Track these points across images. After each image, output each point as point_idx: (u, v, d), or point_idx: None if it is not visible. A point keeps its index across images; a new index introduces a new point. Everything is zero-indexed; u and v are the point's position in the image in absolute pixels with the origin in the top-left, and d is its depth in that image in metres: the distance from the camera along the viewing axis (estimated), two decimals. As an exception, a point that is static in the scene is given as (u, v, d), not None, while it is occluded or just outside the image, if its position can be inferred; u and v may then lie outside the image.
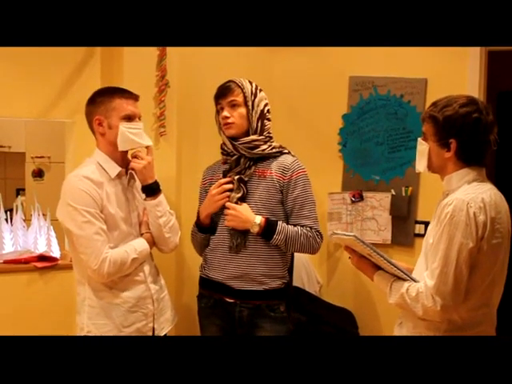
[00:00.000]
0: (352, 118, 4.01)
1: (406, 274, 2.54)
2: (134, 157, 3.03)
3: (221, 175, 3.24)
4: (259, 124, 3.19)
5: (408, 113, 3.86)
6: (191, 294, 3.48)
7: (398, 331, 2.67)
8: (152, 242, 3.08)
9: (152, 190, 3.03)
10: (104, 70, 3.75)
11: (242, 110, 3.18)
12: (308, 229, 3.15)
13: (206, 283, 3.28)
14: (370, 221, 3.96)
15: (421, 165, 2.63)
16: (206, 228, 3.27)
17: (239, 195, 3.15)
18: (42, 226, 3.87)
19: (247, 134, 3.19)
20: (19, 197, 6.04)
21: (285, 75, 4.07)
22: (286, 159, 3.21)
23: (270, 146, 3.21)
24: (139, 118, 3.00)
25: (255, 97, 3.19)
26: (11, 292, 3.58)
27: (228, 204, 3.14)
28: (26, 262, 3.67)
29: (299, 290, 3.81)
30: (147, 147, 3.05)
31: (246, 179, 3.17)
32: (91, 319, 2.94)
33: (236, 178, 3.16)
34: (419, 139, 2.63)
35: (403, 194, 3.90)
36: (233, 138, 3.19)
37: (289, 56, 4.01)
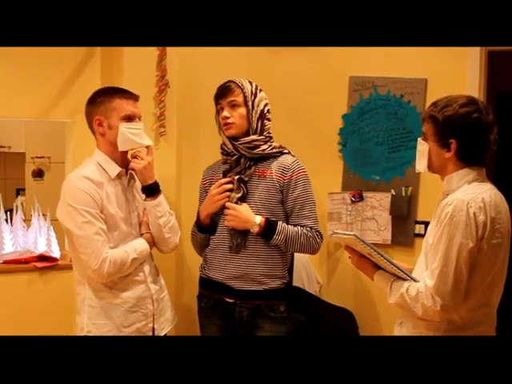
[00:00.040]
0: (352, 118, 4.01)
1: (406, 274, 2.54)
2: (134, 157, 3.03)
3: (221, 175, 3.24)
4: (259, 124, 3.19)
5: (408, 113, 3.86)
6: (191, 294, 3.48)
7: (398, 331, 2.66)
8: (152, 242, 3.08)
9: (152, 191, 3.03)
10: (104, 70, 3.75)
11: (242, 110, 3.18)
12: (308, 229, 3.15)
13: (205, 283, 3.28)
14: (370, 221, 3.96)
15: (421, 165, 2.63)
16: (205, 228, 3.27)
17: (239, 195, 3.15)
18: (42, 226, 3.87)
19: (247, 134, 3.19)
20: (19, 197, 6.05)
21: (285, 75, 4.07)
22: (286, 159, 3.21)
23: (270, 146, 3.21)
24: (139, 118, 3.00)
25: (255, 97, 3.19)
26: (11, 292, 3.58)
27: (228, 204, 3.14)
28: (26, 262, 3.67)
29: (299, 290, 3.81)
30: (147, 147, 3.05)
31: (246, 179, 3.17)
32: (91, 319, 2.94)
33: (236, 177, 3.16)
34: (419, 139, 2.63)
35: (403, 194, 3.89)
36: (233, 138, 3.19)
37: (289, 56, 4.01)
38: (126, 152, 3.03)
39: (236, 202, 3.14)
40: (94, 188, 2.87)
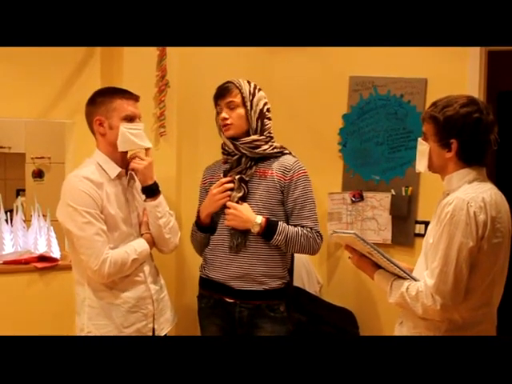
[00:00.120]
0: (352, 117, 4.01)
1: (406, 273, 2.55)
2: (134, 158, 3.03)
3: (221, 175, 3.24)
4: (259, 124, 3.19)
5: (408, 113, 3.86)
6: (191, 294, 3.48)
7: (399, 331, 2.67)
8: (152, 243, 3.08)
9: (152, 191, 3.03)
10: (104, 70, 3.75)
11: (241, 111, 3.18)
12: (308, 229, 3.15)
13: (206, 283, 3.28)
14: (370, 221, 3.96)
15: (421, 165, 2.63)
16: (206, 227, 3.27)
17: (240, 195, 3.15)
18: (42, 227, 3.87)
19: (247, 134, 3.19)
20: (19, 197, 6.04)
21: (285, 75, 4.07)
22: (287, 160, 3.21)
23: (271, 146, 3.21)
24: (139, 119, 3.00)
25: (253, 96, 3.19)
26: (11, 292, 3.58)
27: (229, 203, 3.14)
28: (26, 262, 3.67)
29: (299, 290, 3.81)
30: (146, 149, 3.05)
31: (247, 179, 3.17)
32: (91, 320, 2.94)
33: (237, 177, 3.16)
34: (419, 139, 2.63)
35: (403, 194, 3.89)
36: (233, 138, 3.19)
37: (289, 56, 4.01)
38: (126, 152, 3.03)
39: (237, 202, 3.14)
40: (93, 188, 2.87)
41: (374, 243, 2.71)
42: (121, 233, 2.96)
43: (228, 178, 3.19)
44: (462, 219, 2.36)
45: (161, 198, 3.06)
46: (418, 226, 3.86)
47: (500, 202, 2.48)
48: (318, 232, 3.19)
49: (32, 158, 6.17)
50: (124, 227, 2.98)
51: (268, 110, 3.25)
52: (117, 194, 2.98)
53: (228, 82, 3.22)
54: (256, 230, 3.09)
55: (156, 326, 3.07)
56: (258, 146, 3.17)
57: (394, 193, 3.91)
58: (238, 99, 3.18)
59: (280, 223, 3.12)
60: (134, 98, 3.00)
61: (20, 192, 6.43)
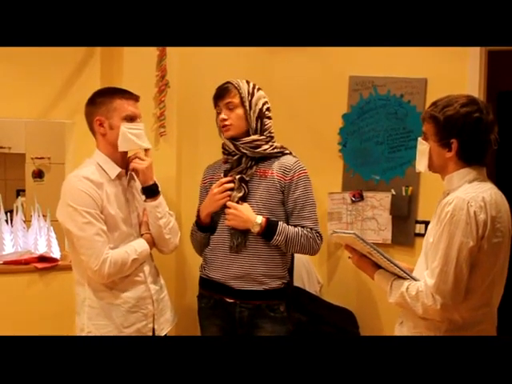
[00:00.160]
0: (352, 117, 4.01)
1: (406, 273, 2.55)
2: (134, 158, 3.02)
3: (221, 174, 3.24)
4: (259, 123, 3.19)
5: (408, 112, 3.86)
6: (191, 294, 3.48)
7: (399, 331, 2.66)
8: (152, 243, 3.08)
9: (152, 192, 3.03)
10: (104, 70, 3.75)
11: (239, 112, 3.18)
12: (308, 230, 3.15)
13: (206, 283, 3.28)
14: (371, 221, 3.96)
15: (421, 164, 2.63)
16: (205, 227, 3.27)
17: (240, 195, 3.15)
18: (42, 227, 3.87)
19: (247, 134, 3.19)
20: (19, 198, 6.05)
21: (285, 75, 4.07)
22: (287, 160, 3.21)
23: (271, 146, 3.21)
24: (139, 119, 3.00)
25: (252, 96, 3.19)
26: (11, 293, 3.58)
27: (229, 203, 3.14)
28: (27, 262, 3.67)
29: (300, 290, 3.81)
30: (146, 150, 3.05)
31: (248, 179, 3.17)
32: (91, 320, 2.94)
33: (237, 177, 3.16)
34: (419, 139, 2.63)
35: (403, 194, 3.89)
36: (234, 139, 3.19)
37: (289, 56, 4.01)
38: (126, 153, 3.03)
39: (237, 202, 3.14)
40: (93, 189, 2.87)
41: (374, 243, 2.71)
42: (121, 233, 2.96)
43: (228, 178, 3.19)
44: (462, 219, 2.36)
45: (161, 198, 3.06)
46: (418, 225, 3.86)
47: (500, 201, 2.48)
48: (318, 232, 3.19)
49: (32, 159, 6.17)
50: (124, 227, 2.98)
51: (268, 109, 3.24)
52: (117, 194, 2.97)
53: (227, 82, 3.22)
54: (256, 230, 3.09)
55: (156, 326, 3.07)
56: (259, 146, 3.17)
57: (394, 192, 3.91)
58: (236, 100, 3.18)
59: (280, 223, 3.12)
60: (134, 97, 3.00)
61: (20, 192, 6.43)
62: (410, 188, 3.87)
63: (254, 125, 3.18)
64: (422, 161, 2.62)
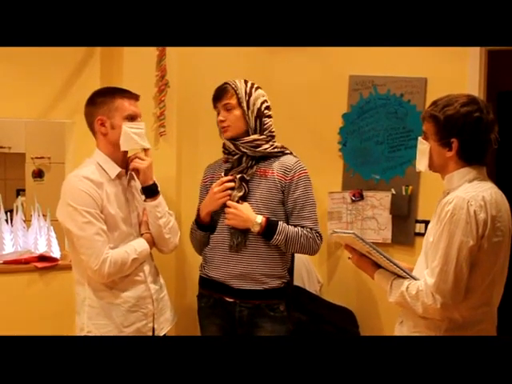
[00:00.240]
0: (352, 117, 4.01)
1: (405, 272, 2.54)
2: (134, 158, 3.02)
3: (222, 173, 3.24)
4: (258, 123, 3.19)
5: (408, 112, 3.86)
6: (191, 293, 3.48)
7: (399, 330, 2.66)
8: (152, 242, 3.08)
9: (152, 191, 3.03)
10: (104, 70, 3.75)
11: (237, 112, 3.18)
12: (308, 230, 3.15)
13: (205, 283, 3.28)
14: (371, 220, 3.96)
15: (422, 164, 2.63)
16: (205, 226, 3.27)
17: (241, 194, 3.15)
18: (42, 227, 3.87)
19: (247, 134, 3.19)
20: (19, 197, 6.05)
21: (285, 75, 4.07)
22: (288, 159, 3.21)
23: (272, 145, 3.21)
24: (140, 118, 3.00)
25: (250, 96, 3.19)
26: (11, 292, 3.58)
27: (229, 203, 3.14)
28: (27, 262, 3.67)
29: (300, 290, 3.81)
30: (145, 150, 3.05)
31: (248, 178, 3.17)
32: (91, 319, 2.94)
33: (238, 176, 3.16)
34: (420, 138, 2.63)
35: (403, 193, 3.89)
36: (234, 139, 3.19)
37: (289, 56, 4.01)
38: (126, 152, 3.03)
39: (237, 201, 3.14)
40: (94, 188, 2.87)
41: (374, 242, 2.72)
42: (121, 232, 2.96)
43: (229, 177, 3.19)
44: (462, 218, 2.36)
45: (160, 198, 3.07)
46: (418, 225, 3.86)
47: (500, 200, 2.47)
48: (318, 232, 3.19)
49: (32, 158, 6.17)
50: (124, 227, 2.98)
51: (267, 108, 3.24)
52: (117, 194, 2.98)
53: (224, 83, 3.22)
54: (256, 229, 3.09)
55: (156, 326, 3.07)
56: (259, 145, 3.17)
57: (394, 192, 3.91)
58: (233, 101, 3.18)
59: (280, 223, 3.12)
60: (135, 97, 3.00)
61: (20, 192, 6.43)
62: (410, 187, 3.87)
63: (253, 125, 3.18)
64: (422, 160, 2.62)
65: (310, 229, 3.16)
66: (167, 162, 3.66)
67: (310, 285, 3.96)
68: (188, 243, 3.45)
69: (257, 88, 3.24)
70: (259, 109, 3.19)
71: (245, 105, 3.17)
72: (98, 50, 3.74)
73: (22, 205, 4.09)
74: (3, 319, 3.46)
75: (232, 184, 3.17)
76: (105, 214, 2.89)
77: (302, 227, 3.15)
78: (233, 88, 3.19)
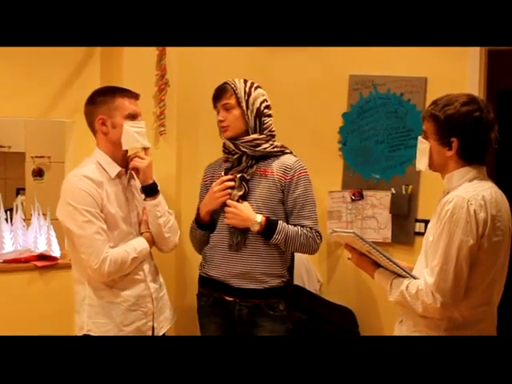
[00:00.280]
0: (352, 116, 4.01)
1: (405, 272, 2.55)
2: (134, 157, 3.02)
3: (222, 172, 3.25)
4: (257, 122, 3.19)
5: (408, 111, 3.86)
6: (191, 292, 3.49)
7: (399, 329, 2.66)
8: (151, 241, 3.08)
9: (151, 190, 3.03)
10: (103, 69, 3.75)
11: (236, 112, 3.18)
12: (308, 229, 3.15)
13: (205, 282, 3.28)
14: (370, 219, 3.96)
15: (422, 163, 2.63)
16: (205, 225, 3.28)
17: (241, 193, 3.15)
18: (42, 226, 3.87)
19: (246, 133, 3.19)
20: (19, 196, 6.03)
21: (285, 74, 4.07)
22: (288, 159, 3.21)
23: (271, 144, 3.21)
24: (140, 117, 3.00)
25: (249, 96, 3.19)
26: (11, 291, 3.59)
27: (229, 202, 3.14)
28: (26, 261, 3.67)
29: (299, 289, 3.81)
30: (145, 149, 3.05)
31: (248, 178, 3.17)
32: (91, 318, 2.94)
33: (238, 176, 3.16)
34: (420, 138, 2.63)
35: (403, 193, 3.89)
36: (233, 138, 3.19)
37: (289, 55, 4.01)
38: (126, 151, 3.03)
39: (237, 200, 3.14)
40: (94, 187, 2.87)
41: (374, 242, 2.72)
42: (120, 232, 2.97)
43: (229, 176, 3.19)
44: (462, 217, 2.36)
45: (160, 197, 3.07)
46: (418, 224, 3.86)
47: (500, 200, 2.48)
48: (318, 232, 3.19)
49: (32, 157, 6.15)
50: (124, 226, 2.98)
51: (267, 107, 3.24)
52: (117, 193, 2.98)
53: (224, 83, 3.23)
54: (256, 228, 3.09)
55: (155, 325, 3.07)
56: (259, 145, 3.18)
57: (393, 191, 3.91)
58: (232, 101, 3.18)
59: (280, 222, 3.12)
60: (135, 96, 3.00)
61: (20, 191, 6.41)
62: (410, 187, 3.87)
63: (252, 124, 3.18)
64: (422, 160, 2.62)
65: (310, 228, 3.16)
66: (167, 161, 3.66)
67: (310, 284, 3.96)
68: (188, 242, 3.45)
69: (256, 87, 3.24)
70: (258, 108, 3.19)
71: (244, 104, 3.17)
72: (98, 49, 3.73)
73: (22, 204, 4.09)
74: (3, 318, 3.47)
75: (232, 183, 3.17)
76: (105, 213, 2.89)
77: (302, 226, 3.15)
78: (232, 88, 3.19)
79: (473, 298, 2.43)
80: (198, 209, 3.32)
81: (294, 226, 3.15)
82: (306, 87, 4.07)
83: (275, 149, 3.22)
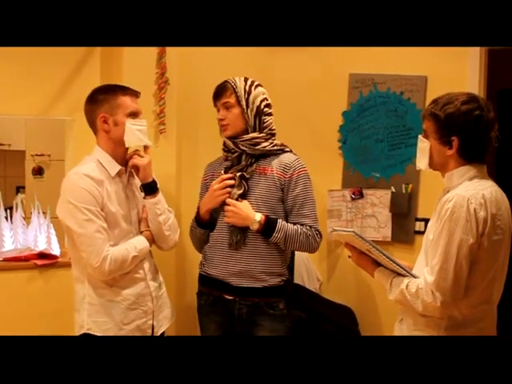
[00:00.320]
0: (352, 115, 4.01)
1: (405, 270, 2.55)
2: (133, 155, 3.02)
3: (222, 171, 3.25)
4: (257, 121, 3.19)
5: (408, 110, 3.86)
6: (191, 291, 3.49)
7: (399, 328, 2.66)
8: (151, 240, 3.09)
9: (151, 188, 3.04)
10: (103, 67, 3.75)
11: (236, 111, 3.18)
12: (308, 228, 3.15)
13: (205, 280, 3.28)
14: (370, 218, 3.96)
15: (422, 162, 2.63)
16: (205, 223, 3.28)
17: (240, 192, 3.15)
18: (42, 224, 3.87)
19: (246, 132, 3.19)
20: (19, 195, 6.03)
21: (285, 73, 4.06)
22: (287, 157, 3.21)
23: (271, 143, 3.21)
24: (141, 115, 3.00)
25: (249, 94, 3.19)
26: (11, 289, 3.59)
27: (228, 200, 3.15)
28: (26, 259, 3.68)
29: (299, 288, 3.81)
30: (146, 147, 3.05)
31: (248, 176, 3.17)
32: (91, 316, 2.94)
33: (238, 174, 3.16)
34: (420, 137, 2.63)
35: (403, 191, 3.89)
36: (233, 137, 3.19)
37: (289, 54, 4.00)
38: (127, 150, 3.03)
39: (237, 199, 3.14)
40: (94, 186, 2.87)
41: (374, 241, 2.72)
42: (121, 230, 2.97)
43: (229, 175, 3.19)
44: (462, 216, 2.36)
45: (160, 195, 3.07)
46: (417, 223, 3.87)
47: (500, 199, 2.48)
48: (318, 230, 3.19)
49: (32, 156, 6.15)
50: (124, 225, 2.98)
51: (267, 105, 3.24)
52: (117, 192, 2.98)
53: (224, 81, 3.23)
54: (255, 227, 3.09)
55: (155, 323, 3.07)
56: (258, 143, 3.18)
57: (393, 190, 3.91)
58: (232, 99, 3.18)
59: (279, 221, 3.12)
60: (136, 94, 3.00)
61: (20, 189, 6.41)
62: (410, 185, 3.87)
63: (252, 123, 3.18)
64: (422, 159, 2.62)
65: (310, 227, 3.16)
66: (167, 159, 3.66)
67: (310, 283, 3.96)
68: (188, 240, 3.46)
69: (257, 86, 3.23)
70: (258, 107, 3.19)
71: (244, 103, 3.17)
72: (98, 48, 3.73)
73: (22, 202, 4.10)
74: (3, 316, 3.47)
75: (232, 182, 3.17)
76: (105, 212, 2.89)
77: (302, 225, 3.15)
78: (232, 86, 3.19)
79: (473, 296, 2.44)
80: (198, 207, 3.31)
81: (294, 224, 3.15)
82: (306, 86, 4.07)
83: (275, 147, 3.21)
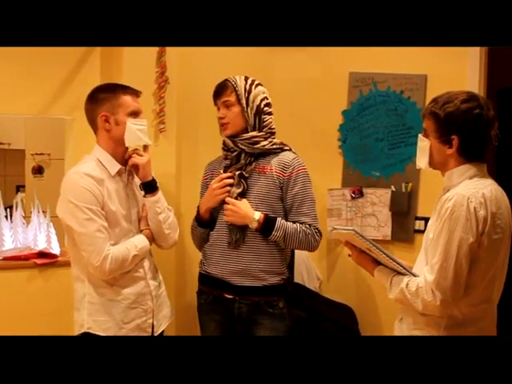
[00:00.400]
0: (352, 114, 4.01)
1: (405, 269, 2.55)
2: (133, 154, 3.02)
3: (222, 170, 3.25)
4: (257, 120, 3.19)
5: (408, 109, 3.86)
6: (191, 290, 3.49)
7: (399, 327, 2.67)
8: (151, 239, 3.09)
9: (151, 187, 3.04)
10: (103, 66, 3.75)
11: (236, 110, 3.18)
12: (307, 226, 3.15)
13: (205, 279, 3.28)
14: (370, 217, 3.96)
15: (422, 161, 2.63)
16: (205, 222, 3.28)
17: (239, 191, 3.15)
18: (42, 223, 3.87)
19: (246, 131, 3.19)
20: (19, 193, 6.01)
21: (285, 72, 4.06)
22: (286, 156, 3.21)
23: (270, 142, 3.21)
24: (142, 114, 3.00)
25: (249, 93, 3.19)
26: (11, 288, 3.59)
27: (228, 199, 3.15)
28: (26, 258, 3.67)
29: (299, 286, 3.81)
30: (145, 146, 3.05)
31: (247, 175, 3.17)
32: (91, 316, 2.94)
33: (237, 173, 3.16)
34: (420, 136, 2.63)
35: (403, 190, 3.90)
36: (233, 136, 3.19)
37: (289, 53, 3.99)
38: (127, 149, 3.03)
39: (236, 198, 3.14)
40: (95, 185, 2.87)
41: (374, 239, 2.72)
42: (121, 229, 2.97)
43: (228, 174, 3.19)
44: (462, 215, 2.36)
45: (160, 193, 3.07)
46: (417, 222, 3.87)
47: (500, 197, 2.48)
48: (317, 229, 3.19)
49: (32, 155, 6.11)
50: (124, 224, 2.98)
51: (267, 105, 3.24)
52: (117, 191, 2.98)
53: (224, 80, 3.23)
54: (254, 226, 3.09)
55: (155, 322, 3.07)
56: (257, 142, 3.18)
57: (393, 189, 3.91)
58: (232, 98, 3.18)
59: (278, 219, 3.12)
60: (137, 93, 3.00)
61: (20, 188, 6.39)
62: (410, 184, 3.88)
63: (251, 122, 3.18)
64: (422, 158, 2.62)
65: (309, 225, 3.16)
66: (167, 158, 3.67)
67: (310, 282, 3.96)
68: (188, 239, 3.46)
69: (257, 85, 3.23)
70: (258, 106, 3.19)
71: (244, 102, 3.17)
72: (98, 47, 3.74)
73: (22, 201, 4.09)
74: (3, 316, 3.47)
75: (231, 181, 3.17)
76: (106, 211, 2.89)
77: (301, 223, 3.15)
78: (232, 85, 3.19)
79: (473, 295, 2.44)
80: (199, 207, 3.32)
81: (293, 222, 3.15)
82: (306, 85, 4.06)
83: (274, 146, 3.21)
